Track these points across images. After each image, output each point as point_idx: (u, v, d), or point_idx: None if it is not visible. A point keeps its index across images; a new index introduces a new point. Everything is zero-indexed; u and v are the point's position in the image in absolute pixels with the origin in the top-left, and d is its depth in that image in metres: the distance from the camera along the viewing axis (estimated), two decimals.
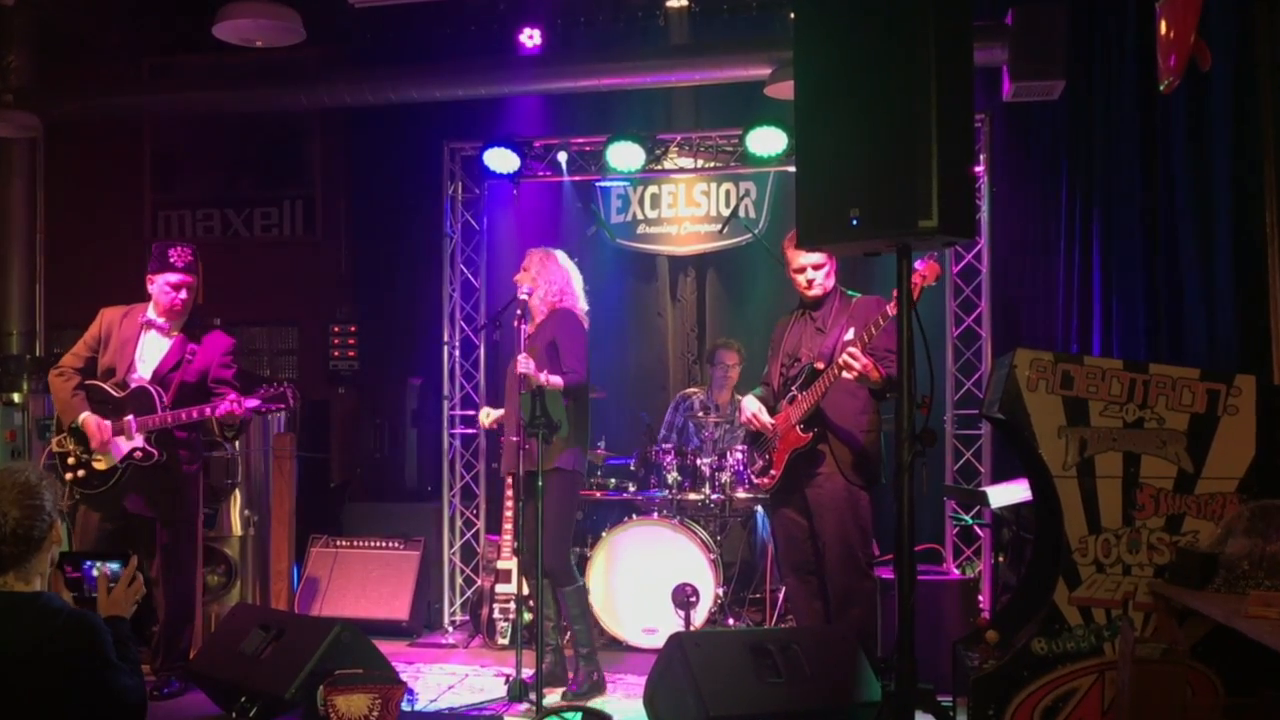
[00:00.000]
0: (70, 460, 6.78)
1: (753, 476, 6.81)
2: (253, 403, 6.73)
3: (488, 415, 7.33)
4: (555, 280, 6.95)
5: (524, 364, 6.50)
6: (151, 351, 6.90)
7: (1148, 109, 8.41)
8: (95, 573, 4.23)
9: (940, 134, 4.09)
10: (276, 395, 6.77)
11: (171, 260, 6.86)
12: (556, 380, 6.63)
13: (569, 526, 6.96)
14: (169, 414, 6.73)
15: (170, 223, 11.40)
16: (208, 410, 6.69)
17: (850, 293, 6.48)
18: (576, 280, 7.09)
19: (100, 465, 6.76)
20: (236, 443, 8.00)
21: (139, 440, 6.74)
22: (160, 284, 6.87)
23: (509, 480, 7.68)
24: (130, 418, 6.71)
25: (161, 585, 6.87)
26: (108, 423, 6.71)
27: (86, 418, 6.73)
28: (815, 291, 6.42)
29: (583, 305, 7.05)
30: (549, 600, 6.86)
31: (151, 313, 6.93)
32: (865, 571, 6.27)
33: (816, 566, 6.36)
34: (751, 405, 6.54)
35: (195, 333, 6.99)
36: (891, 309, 5.66)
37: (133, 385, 6.81)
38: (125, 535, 6.80)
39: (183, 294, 6.89)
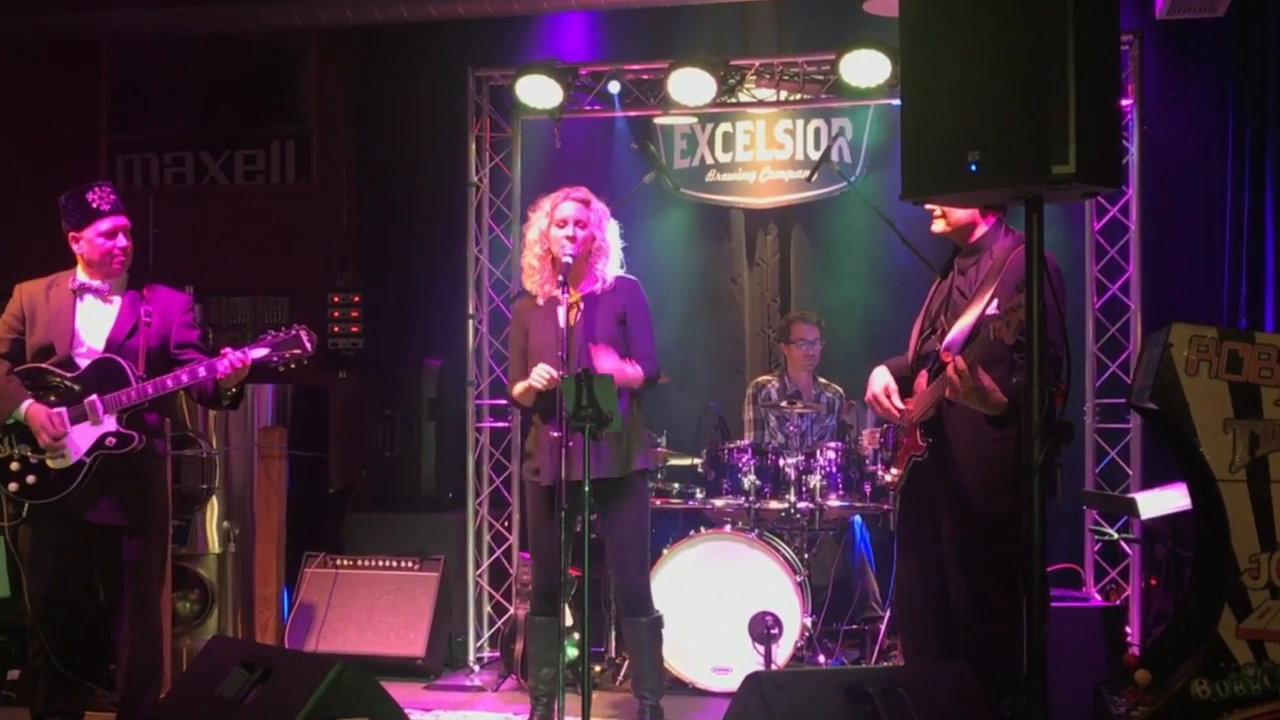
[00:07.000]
0: (13, 466, 6.40)
1: (880, 467, 6.57)
2: (260, 351, 6.39)
3: (546, 372, 6.59)
4: (612, 243, 6.91)
5: (603, 358, 6.43)
6: (95, 320, 6.58)
7: None
8: None
9: (1079, 59, 4.10)
10: (288, 340, 6.43)
11: (94, 205, 6.53)
12: (636, 373, 6.60)
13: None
14: (148, 385, 6.39)
15: (132, 168, 11.41)
16: (201, 371, 6.35)
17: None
18: None
19: (60, 463, 6.44)
20: (214, 440, 8.03)
21: (110, 423, 6.40)
22: (90, 237, 6.53)
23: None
24: (94, 398, 6.34)
25: (128, 618, 6.54)
26: (61, 410, 6.39)
27: (31, 406, 6.37)
28: (935, 227, 6.11)
29: None
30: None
31: (83, 276, 6.63)
32: (1003, 614, 5.70)
33: (942, 591, 6.04)
34: (879, 381, 6.17)
35: (140, 292, 6.70)
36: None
37: (86, 360, 6.50)
38: (85, 553, 6.53)
39: (121, 240, 6.57)
